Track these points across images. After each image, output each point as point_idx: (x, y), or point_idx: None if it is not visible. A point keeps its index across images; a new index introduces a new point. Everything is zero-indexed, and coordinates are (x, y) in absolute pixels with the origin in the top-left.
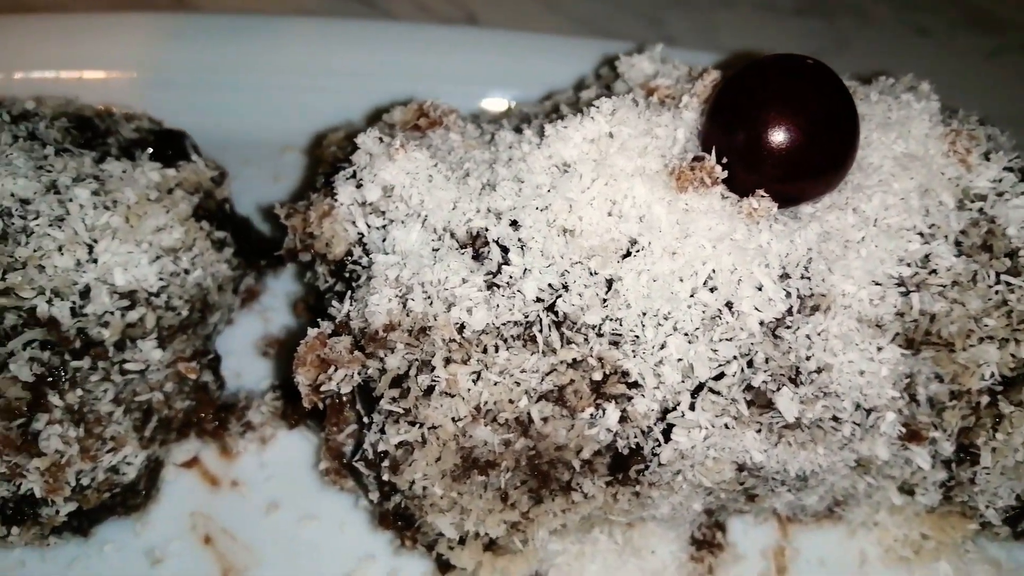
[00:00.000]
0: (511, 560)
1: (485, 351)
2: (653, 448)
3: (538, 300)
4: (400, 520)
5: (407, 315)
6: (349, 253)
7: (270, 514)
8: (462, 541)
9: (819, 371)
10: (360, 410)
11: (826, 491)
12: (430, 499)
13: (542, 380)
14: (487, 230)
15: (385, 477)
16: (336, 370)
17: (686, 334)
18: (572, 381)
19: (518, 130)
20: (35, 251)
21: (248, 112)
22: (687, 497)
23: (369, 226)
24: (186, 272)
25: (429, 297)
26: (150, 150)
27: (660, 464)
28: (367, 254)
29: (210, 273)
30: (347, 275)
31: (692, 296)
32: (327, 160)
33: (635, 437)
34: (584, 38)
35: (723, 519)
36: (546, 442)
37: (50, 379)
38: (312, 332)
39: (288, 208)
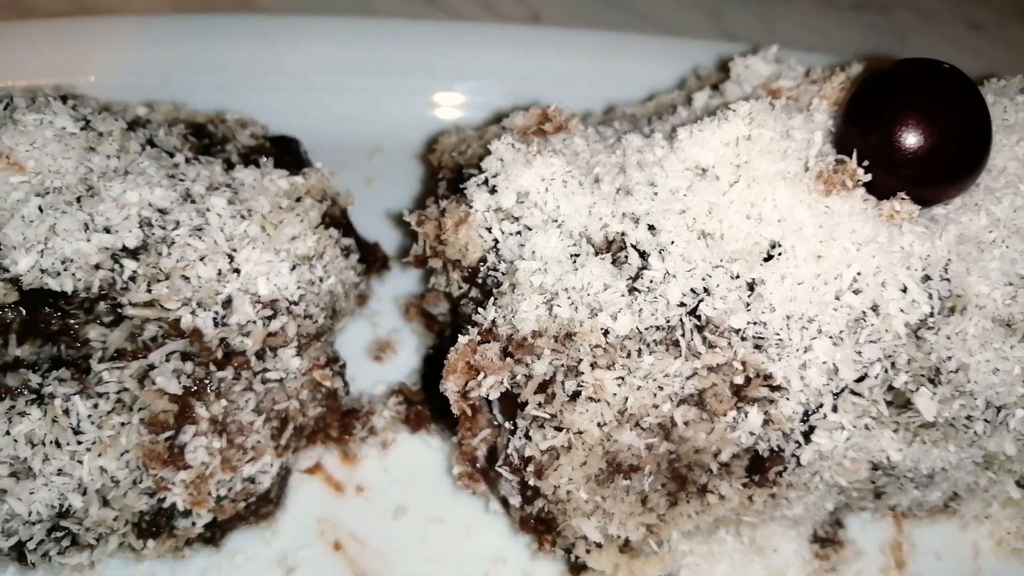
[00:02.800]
0: (646, 562)
1: (629, 356)
2: (793, 450)
3: (681, 304)
4: (541, 524)
5: (553, 321)
6: (483, 259)
7: (398, 519)
8: (599, 544)
9: (956, 371)
10: (497, 415)
11: (949, 486)
12: (574, 503)
13: (683, 384)
14: (625, 235)
15: (530, 482)
16: (485, 376)
17: (830, 337)
18: (713, 385)
19: (631, 132)
20: (178, 262)
21: (335, 115)
22: (821, 497)
23: (503, 232)
24: (320, 280)
25: (574, 303)
26: (272, 158)
27: (799, 465)
28: (502, 261)
29: (340, 280)
30: (480, 281)
31: (837, 299)
32: (448, 166)
33: (776, 440)
34: (681, 39)
35: (842, 516)
36: (686, 445)
37: (196, 390)
38: (463, 339)
39: (419, 215)
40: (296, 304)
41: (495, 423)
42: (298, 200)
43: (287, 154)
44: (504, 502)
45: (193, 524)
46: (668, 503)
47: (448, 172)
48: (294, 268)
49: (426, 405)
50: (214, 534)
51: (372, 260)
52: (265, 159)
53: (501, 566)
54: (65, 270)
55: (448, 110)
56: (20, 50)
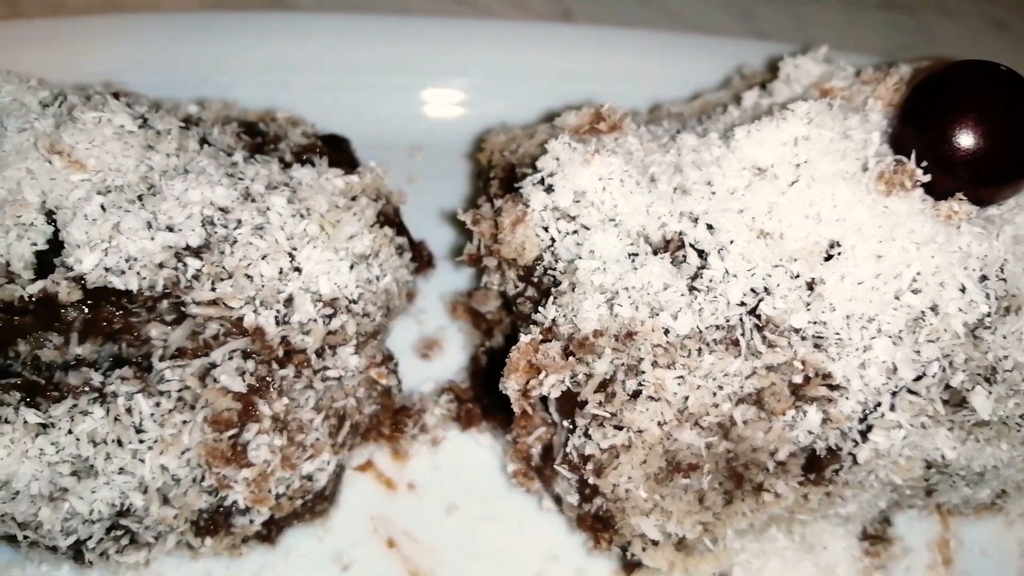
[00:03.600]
0: (700, 560)
1: (689, 355)
2: (850, 448)
3: (741, 304)
4: (598, 522)
5: (614, 320)
6: (539, 259)
7: (450, 516)
8: (655, 542)
9: (1011, 370)
10: (554, 414)
11: (999, 484)
12: (633, 501)
13: (743, 384)
14: (683, 234)
15: (589, 480)
16: (547, 375)
17: (890, 336)
18: (772, 384)
19: (684, 132)
20: (241, 260)
21: (374, 114)
22: (875, 495)
23: (560, 231)
24: (377, 278)
25: (634, 302)
26: (326, 157)
27: (855, 463)
28: (558, 260)
29: (395, 278)
30: (536, 280)
31: (897, 298)
32: (499, 165)
33: (834, 438)
34: (728, 38)
35: (890, 514)
36: (744, 444)
37: (259, 388)
38: (524, 339)
39: (474, 214)
40: (355, 303)
41: (549, 421)
42: (353, 199)
43: (339, 153)
44: (558, 500)
45: (251, 522)
46: (724, 501)
47: (500, 171)
48: (352, 267)
49: (476, 403)
50: (270, 531)
51: (418, 258)
52: (319, 158)
53: (554, 563)
54: (130, 268)
55: (490, 109)
56: (56, 47)
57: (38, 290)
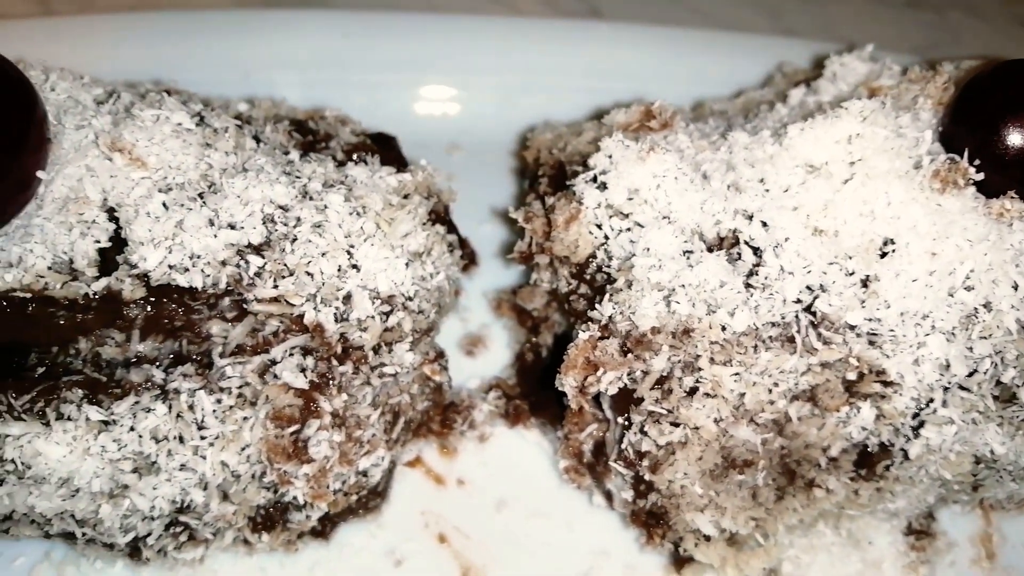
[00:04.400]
0: (751, 555)
1: (745, 352)
2: (902, 444)
3: (797, 301)
4: (652, 518)
5: (672, 317)
6: (592, 256)
7: (500, 512)
8: (706, 537)
9: None
10: (607, 410)
11: None
12: (688, 497)
13: (797, 380)
14: (738, 231)
15: (645, 476)
16: (605, 372)
17: (943, 333)
18: (827, 381)
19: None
20: (301, 258)
21: (412, 112)
22: (924, 490)
23: (613, 229)
24: (431, 276)
25: (691, 300)
26: (377, 155)
27: (906, 459)
28: (612, 258)
29: (447, 276)
30: (589, 278)
31: (951, 295)
32: (548, 163)
33: (887, 434)
34: (769, 37)
35: (934, 509)
36: (798, 440)
37: (319, 385)
38: (583, 336)
39: (527, 212)
40: (411, 300)
41: (601, 418)
42: (406, 197)
43: (388, 151)
44: (608, 496)
45: (307, 517)
46: (776, 497)
47: (549, 169)
48: (408, 264)
49: (524, 400)
50: (324, 527)
51: (463, 256)
52: (371, 156)
53: (604, 559)
54: (193, 266)
55: (526, 107)
56: (92, 45)
57: (102, 287)
